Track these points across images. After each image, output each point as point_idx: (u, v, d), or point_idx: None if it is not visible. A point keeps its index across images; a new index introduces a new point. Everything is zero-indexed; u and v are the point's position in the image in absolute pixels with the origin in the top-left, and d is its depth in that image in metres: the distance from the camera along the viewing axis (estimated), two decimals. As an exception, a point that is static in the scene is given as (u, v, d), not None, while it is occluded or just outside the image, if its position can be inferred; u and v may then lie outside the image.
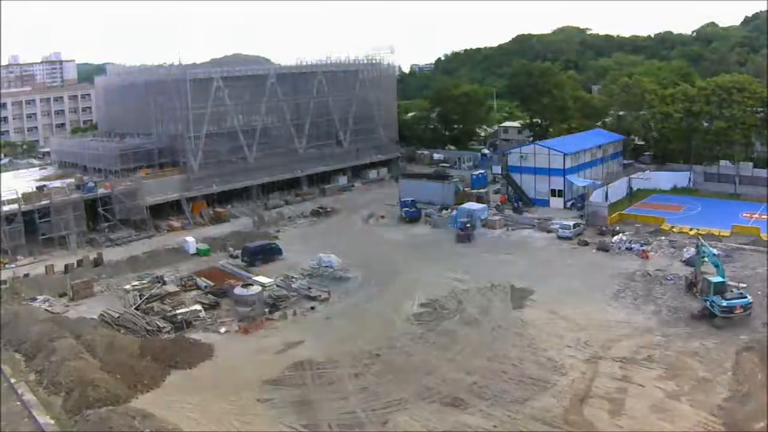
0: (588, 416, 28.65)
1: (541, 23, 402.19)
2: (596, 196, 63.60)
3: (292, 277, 48.44)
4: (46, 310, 43.29)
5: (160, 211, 65.45)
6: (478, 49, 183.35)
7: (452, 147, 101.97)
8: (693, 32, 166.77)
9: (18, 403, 31.18)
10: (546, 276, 46.78)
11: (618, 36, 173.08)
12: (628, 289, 43.64)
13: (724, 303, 37.31)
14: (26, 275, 50.68)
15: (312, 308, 42.62)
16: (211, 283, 47.23)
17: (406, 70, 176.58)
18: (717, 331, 36.32)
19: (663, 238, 54.76)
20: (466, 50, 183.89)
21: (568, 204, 67.22)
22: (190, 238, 57.45)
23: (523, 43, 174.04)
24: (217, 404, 30.87)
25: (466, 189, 73.71)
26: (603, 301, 41.94)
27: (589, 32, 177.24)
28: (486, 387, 31.42)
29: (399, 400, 30.61)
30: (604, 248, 52.62)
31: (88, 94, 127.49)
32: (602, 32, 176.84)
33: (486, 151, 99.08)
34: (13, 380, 33.27)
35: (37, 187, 62.47)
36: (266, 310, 41.96)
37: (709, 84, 78.58)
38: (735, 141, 75.15)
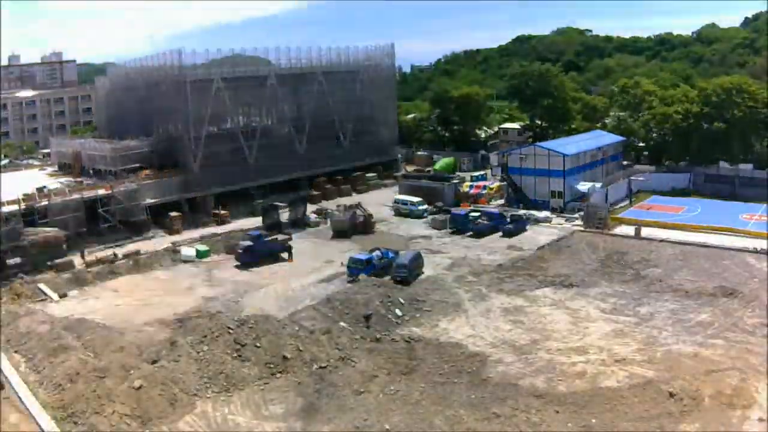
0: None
1: (542, 24, 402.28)
2: (596, 198, 63.57)
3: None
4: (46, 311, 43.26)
5: (160, 212, 65.29)
6: (478, 51, 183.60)
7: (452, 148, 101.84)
8: (693, 33, 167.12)
9: (18, 403, 31.16)
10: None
11: (618, 37, 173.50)
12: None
13: None
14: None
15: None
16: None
17: (406, 70, 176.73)
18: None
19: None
20: (465, 51, 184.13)
21: (569, 206, 67.19)
22: (185, 248, 56.75)
23: (523, 45, 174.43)
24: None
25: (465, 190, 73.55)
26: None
27: (589, 33, 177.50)
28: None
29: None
30: None
31: (89, 95, 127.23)
32: (602, 33, 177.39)
33: (484, 152, 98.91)
34: (13, 381, 33.24)
35: (36, 188, 62.34)
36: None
37: (709, 85, 78.60)
38: (735, 142, 75.16)
